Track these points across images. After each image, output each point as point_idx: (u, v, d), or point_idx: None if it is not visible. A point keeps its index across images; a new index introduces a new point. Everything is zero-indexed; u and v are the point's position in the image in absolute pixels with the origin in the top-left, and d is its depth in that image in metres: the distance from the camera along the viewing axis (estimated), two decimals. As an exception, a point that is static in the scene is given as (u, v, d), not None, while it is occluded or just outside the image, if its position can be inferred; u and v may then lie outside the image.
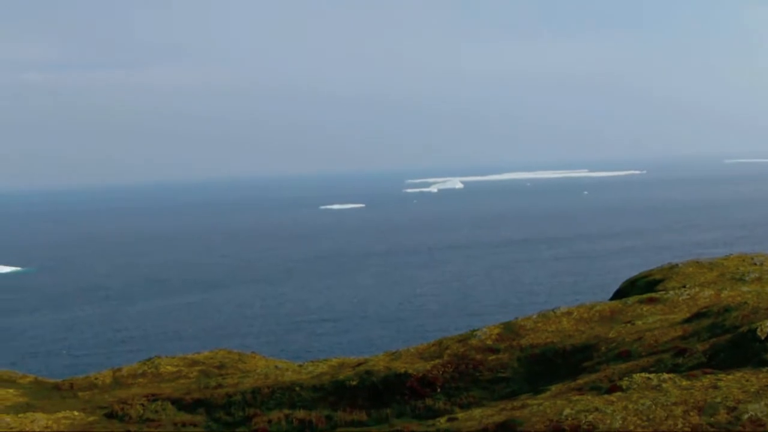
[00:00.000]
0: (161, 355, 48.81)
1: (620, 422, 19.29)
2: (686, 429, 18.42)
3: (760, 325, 26.40)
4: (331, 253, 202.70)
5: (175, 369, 44.83)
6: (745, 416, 18.27)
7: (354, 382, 37.48)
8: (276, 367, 42.70)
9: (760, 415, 18.21)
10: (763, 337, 25.72)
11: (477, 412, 25.51)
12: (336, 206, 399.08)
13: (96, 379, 44.01)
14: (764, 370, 21.61)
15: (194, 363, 45.80)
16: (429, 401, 34.86)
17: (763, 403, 18.15)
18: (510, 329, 39.33)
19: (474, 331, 40.46)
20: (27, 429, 33.05)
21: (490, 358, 37.03)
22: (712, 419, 18.56)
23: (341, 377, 38.14)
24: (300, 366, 42.65)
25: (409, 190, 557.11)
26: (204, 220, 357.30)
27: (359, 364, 40.01)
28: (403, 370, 37.05)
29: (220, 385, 39.89)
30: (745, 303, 32.45)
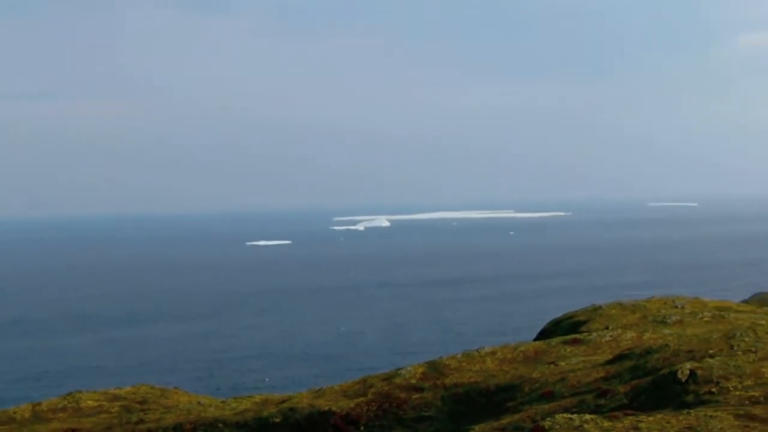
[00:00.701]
0: (82, 389, 48.00)
1: (542, 463, 19.33)
2: (607, 470, 18.51)
3: (681, 367, 26.71)
4: (258, 290, 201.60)
5: (96, 404, 44.11)
6: (666, 458, 18.42)
7: (277, 419, 37.18)
8: (199, 403, 42.25)
9: (679, 456, 18.36)
10: (683, 380, 26.02)
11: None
12: (262, 243, 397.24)
13: (15, 413, 43.16)
14: (684, 412, 21.82)
15: (116, 398, 45.11)
16: (352, 440, 34.66)
17: (682, 444, 18.32)
18: (434, 368, 39.32)
19: (398, 369, 40.39)
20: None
21: (414, 396, 36.97)
22: (632, 460, 18.67)
23: (265, 414, 37.81)
24: (223, 402, 42.24)
25: (336, 228, 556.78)
26: (129, 255, 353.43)
27: (283, 401, 39.71)
28: (326, 408, 36.84)
29: (141, 421, 39.33)
30: (667, 345, 32.81)
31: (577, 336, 44.00)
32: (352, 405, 36.80)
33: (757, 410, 21.67)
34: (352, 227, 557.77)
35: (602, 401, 27.95)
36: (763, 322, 39.06)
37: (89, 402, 44.20)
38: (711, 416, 20.59)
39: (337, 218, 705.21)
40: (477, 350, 41.71)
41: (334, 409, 36.62)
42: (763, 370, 26.22)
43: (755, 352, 27.96)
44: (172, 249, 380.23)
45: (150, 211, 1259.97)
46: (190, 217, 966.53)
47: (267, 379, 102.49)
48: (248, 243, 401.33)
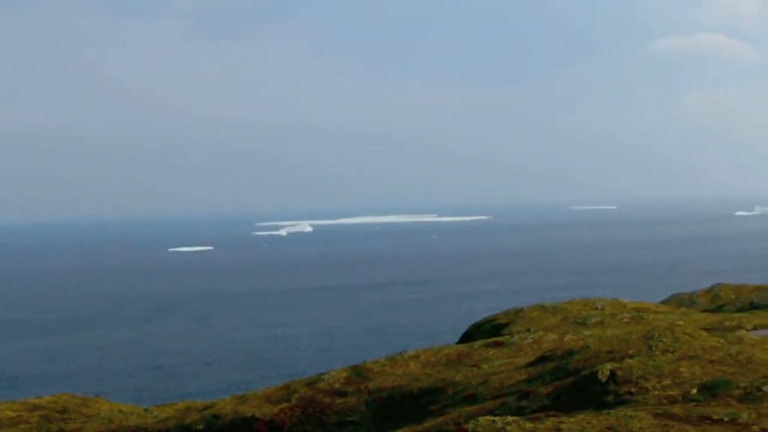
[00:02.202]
0: (0, 400, 47.19)
1: (466, 465, 19.41)
2: (530, 471, 18.65)
3: (601, 368, 27.01)
4: (182, 296, 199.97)
5: (14, 414, 43.37)
6: (587, 458, 18.59)
7: (200, 426, 36.91)
8: (120, 411, 41.77)
9: (600, 456, 18.55)
10: (603, 380, 26.32)
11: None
12: (184, 249, 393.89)
13: (-72, 425, 42.30)
14: (605, 412, 22.07)
15: (35, 408, 44.40)
16: (276, 445, 34.52)
17: (603, 444, 18.52)
18: (358, 373, 39.32)
19: (322, 374, 40.32)
20: None
21: (338, 401, 36.93)
22: (554, 461, 18.82)
23: (187, 421, 37.50)
24: (145, 410, 41.81)
25: (259, 233, 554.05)
26: (45, 261, 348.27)
27: (206, 408, 39.43)
28: (250, 414, 36.65)
29: (61, 430, 38.79)
30: (587, 347, 33.15)
31: (499, 339, 44.31)
32: (275, 411, 36.65)
33: (676, 409, 21.99)
34: (274, 233, 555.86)
35: (524, 403, 28.16)
36: (681, 322, 39.73)
37: (7, 412, 43.44)
38: (630, 416, 20.85)
39: (259, 224, 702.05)
40: (400, 354, 41.79)
41: (257, 414, 36.44)
42: (681, 369, 26.62)
43: (673, 352, 28.37)
44: (91, 255, 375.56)
45: (65, 217, 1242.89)
46: (107, 223, 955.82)
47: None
48: (170, 249, 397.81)
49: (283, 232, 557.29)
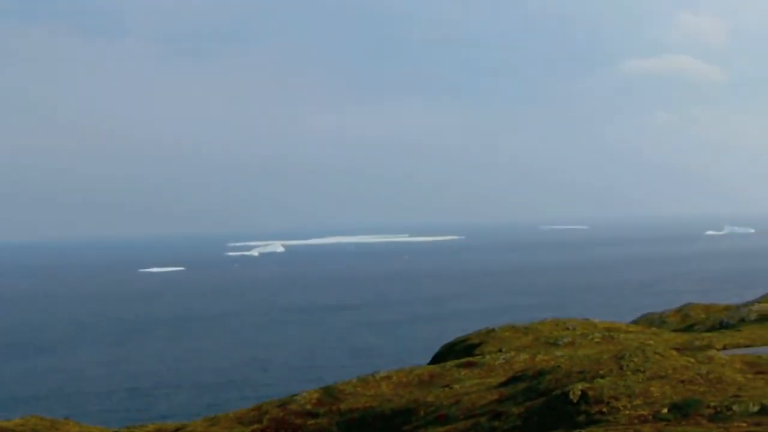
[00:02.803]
0: (-32, 423, 46.76)
1: (438, 486, 19.45)
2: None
3: (572, 388, 27.12)
4: (153, 318, 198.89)
5: (-18, 437, 43.07)
6: (558, 478, 18.68)
7: (171, 449, 36.76)
8: (89, 433, 41.53)
9: (572, 476, 18.64)
10: (575, 400, 26.42)
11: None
12: (155, 269, 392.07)
13: None
14: (576, 431, 22.15)
15: (3, 430, 44.08)
16: (247, 467, 34.43)
17: (574, 464, 18.60)
18: (330, 393, 39.28)
19: (294, 395, 40.25)
20: None
21: (310, 422, 36.86)
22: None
23: (157, 444, 37.34)
24: (115, 432, 41.60)
25: (231, 254, 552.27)
26: (16, 283, 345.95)
27: (177, 430, 39.26)
28: (221, 436, 36.52)
29: (29, 454, 38.50)
30: (559, 367, 33.26)
31: (471, 359, 44.38)
32: (247, 432, 36.55)
33: (646, 428, 22.10)
34: (246, 253, 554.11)
35: (496, 423, 28.22)
36: (651, 342, 39.93)
37: (-24, 435, 43.13)
38: (602, 436, 20.94)
39: (231, 244, 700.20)
40: (372, 374, 41.79)
41: (228, 436, 36.33)
42: (652, 389, 26.76)
43: (644, 372, 28.52)
44: (60, 277, 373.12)
45: (30, 239, 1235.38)
46: (77, 245, 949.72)
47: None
48: (141, 270, 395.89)
49: (254, 252, 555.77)
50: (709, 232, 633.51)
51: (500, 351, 46.99)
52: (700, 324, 63.96)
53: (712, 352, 35.52)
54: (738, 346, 44.01)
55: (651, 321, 71.79)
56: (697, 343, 45.46)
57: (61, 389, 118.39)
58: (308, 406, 38.26)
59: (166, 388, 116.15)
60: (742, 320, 58.57)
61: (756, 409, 24.01)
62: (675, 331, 61.97)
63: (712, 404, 24.65)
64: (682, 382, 27.54)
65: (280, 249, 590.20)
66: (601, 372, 29.31)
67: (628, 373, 28.63)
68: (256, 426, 36.99)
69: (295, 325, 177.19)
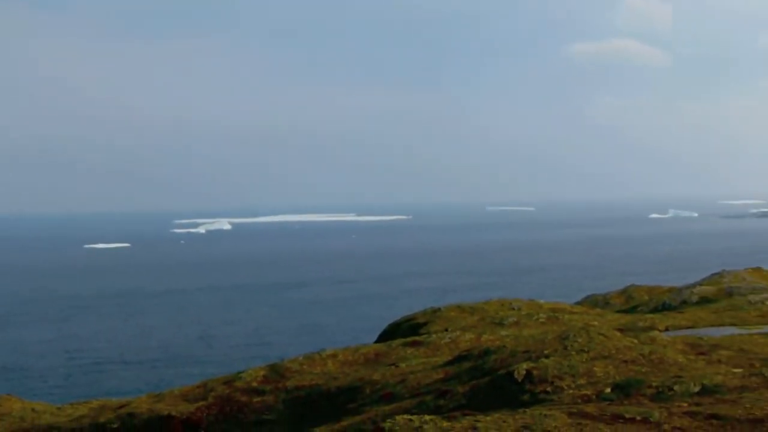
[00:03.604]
0: None
1: (382, 463, 19.50)
2: (446, 469, 18.80)
3: (517, 368, 27.33)
4: (99, 293, 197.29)
5: None
6: (502, 456, 18.81)
7: (115, 425, 36.58)
8: (33, 409, 41.21)
9: (515, 454, 18.79)
10: (519, 380, 26.64)
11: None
12: (101, 245, 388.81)
13: None
14: (520, 411, 22.32)
15: (-56, 407, 43.59)
16: (192, 444, 34.36)
17: (518, 443, 18.75)
18: (276, 371, 39.27)
19: (239, 372, 40.21)
20: None
21: (255, 399, 36.84)
22: (470, 459, 19.01)
23: (102, 420, 37.12)
24: (59, 408, 41.32)
25: (177, 231, 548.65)
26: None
27: (121, 407, 39.06)
28: (166, 413, 36.40)
29: (-29, 429, 38.14)
30: (504, 346, 33.49)
31: (417, 338, 44.56)
32: (192, 409, 36.47)
33: (590, 408, 22.32)
34: (193, 230, 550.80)
35: (442, 402, 28.38)
36: (595, 322, 40.34)
37: None
38: (546, 415, 21.12)
39: (177, 221, 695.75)
40: (318, 352, 41.84)
41: (173, 413, 36.21)
42: (595, 369, 27.04)
43: (588, 352, 28.80)
44: (3, 252, 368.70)
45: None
46: (20, 219, 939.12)
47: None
48: (86, 246, 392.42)
49: (201, 230, 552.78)
50: (654, 215, 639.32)
51: (446, 330, 47.20)
52: (644, 305, 64.67)
53: (654, 333, 35.96)
54: (680, 327, 44.55)
55: (595, 302, 72.48)
56: (640, 324, 45.96)
57: (3, 365, 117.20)
58: (254, 384, 38.23)
59: (112, 365, 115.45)
60: (685, 302, 59.31)
61: (697, 389, 24.36)
62: (619, 312, 62.60)
63: (654, 384, 24.96)
64: (625, 362, 27.85)
65: (227, 226, 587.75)
66: (545, 352, 29.54)
67: (572, 353, 28.90)
68: (201, 403, 36.91)
69: (242, 303, 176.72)
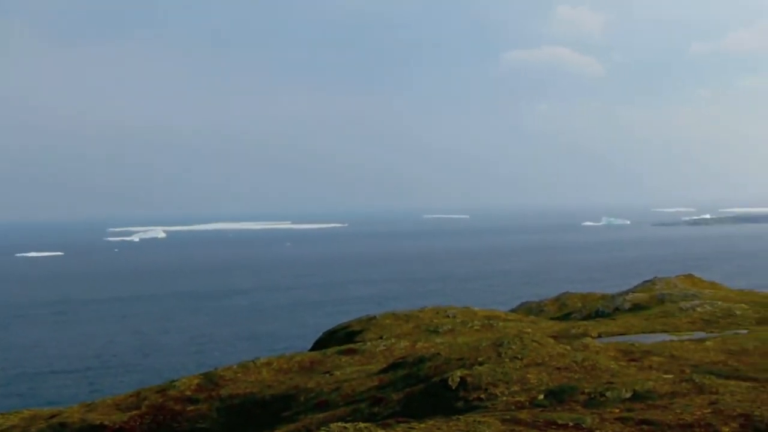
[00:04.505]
0: None
1: (317, 471, 19.47)
2: (380, 476, 18.81)
3: (452, 375, 27.43)
4: (27, 303, 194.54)
5: None
6: (436, 463, 18.86)
7: (46, 436, 36.09)
8: (-39, 421, 40.50)
9: (449, 461, 18.84)
10: (454, 387, 26.73)
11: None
12: (33, 254, 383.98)
13: None
14: (454, 418, 22.40)
15: None
16: (125, 454, 34.04)
17: (452, 449, 18.81)
18: (210, 379, 39.05)
19: (173, 381, 39.91)
20: None
21: (189, 408, 36.59)
22: (404, 466, 19.04)
23: (33, 430, 36.62)
24: (-12, 419, 40.64)
25: (111, 239, 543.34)
26: None
27: (53, 416, 38.56)
28: (98, 422, 36.00)
29: None
30: (438, 354, 33.60)
31: (352, 346, 44.56)
32: (125, 418, 36.10)
33: (523, 415, 22.47)
34: (126, 238, 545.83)
35: (376, 409, 28.40)
36: (529, 330, 40.63)
37: None
38: (479, 421, 21.21)
39: (111, 229, 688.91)
40: (253, 361, 41.67)
41: (106, 423, 35.83)
42: (529, 376, 27.23)
43: (521, 359, 29.00)
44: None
45: None
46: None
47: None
48: (18, 254, 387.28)
49: (135, 238, 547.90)
50: (587, 223, 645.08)
51: (381, 338, 47.27)
52: (577, 312, 65.24)
53: (587, 340, 36.30)
54: (612, 334, 45.03)
55: (529, 309, 72.94)
56: (574, 331, 46.37)
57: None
58: (188, 392, 37.97)
59: (44, 374, 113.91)
60: (617, 309, 59.94)
61: (628, 395, 24.63)
62: (552, 319, 63.10)
63: (586, 390, 25.19)
64: (558, 369, 28.09)
65: (162, 234, 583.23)
66: (479, 359, 29.70)
67: (506, 360, 29.08)
68: (134, 412, 36.56)
69: (177, 311, 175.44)
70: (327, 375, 37.56)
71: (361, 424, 21.90)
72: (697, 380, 26.07)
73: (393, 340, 44.12)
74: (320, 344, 54.57)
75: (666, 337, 41.27)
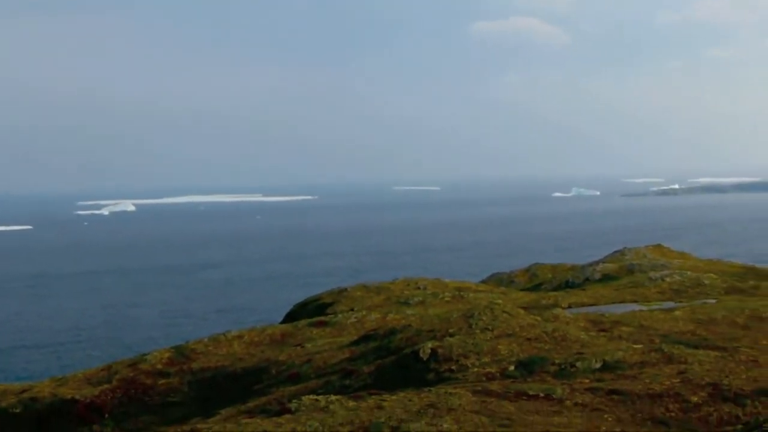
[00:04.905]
0: None
1: (289, 444, 19.50)
2: (352, 448, 18.90)
3: (422, 346, 27.53)
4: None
5: None
6: (408, 434, 18.97)
7: (17, 410, 36.00)
8: (-69, 396, 40.30)
9: (421, 432, 18.95)
10: (425, 359, 26.84)
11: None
12: (1, 228, 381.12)
13: None
14: (426, 389, 22.50)
15: None
16: (96, 428, 34.04)
17: (423, 422, 18.89)
18: (181, 353, 39.01)
19: (144, 355, 39.85)
20: None
21: (161, 382, 36.57)
22: (376, 438, 19.13)
23: (3, 405, 36.51)
24: (-42, 395, 40.45)
25: (80, 212, 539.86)
26: None
27: (23, 391, 38.44)
28: (70, 396, 35.93)
29: None
30: (409, 326, 33.70)
31: (323, 318, 44.63)
32: (96, 393, 36.05)
33: (494, 386, 22.59)
34: (96, 212, 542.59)
35: (347, 382, 28.48)
36: (500, 301, 40.75)
37: None
38: (451, 393, 21.32)
39: (80, 203, 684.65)
40: (224, 334, 41.67)
41: (77, 397, 35.77)
42: (500, 347, 27.37)
43: (492, 330, 29.13)
44: None
45: None
46: None
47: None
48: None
49: (104, 211, 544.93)
50: (557, 194, 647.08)
51: (352, 310, 47.33)
52: (547, 283, 65.53)
53: (557, 311, 36.49)
54: (582, 304, 45.23)
55: (500, 280, 73.18)
56: (544, 302, 46.58)
57: None
58: (159, 366, 37.94)
59: (14, 349, 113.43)
60: (587, 280, 60.22)
61: (598, 365, 24.81)
62: (523, 290, 63.35)
63: (557, 361, 25.35)
64: (529, 340, 28.24)
65: (131, 208, 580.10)
66: (450, 330, 29.80)
67: (477, 331, 29.19)
68: (105, 386, 36.51)
69: (148, 285, 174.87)
70: (298, 348, 37.62)
71: (333, 397, 21.96)
72: (666, 350, 26.28)
73: (364, 312, 44.21)
74: (291, 317, 54.59)
75: (635, 307, 41.50)
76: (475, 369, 25.68)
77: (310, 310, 53.13)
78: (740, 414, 20.38)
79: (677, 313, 36.25)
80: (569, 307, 43.98)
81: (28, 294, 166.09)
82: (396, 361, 27.96)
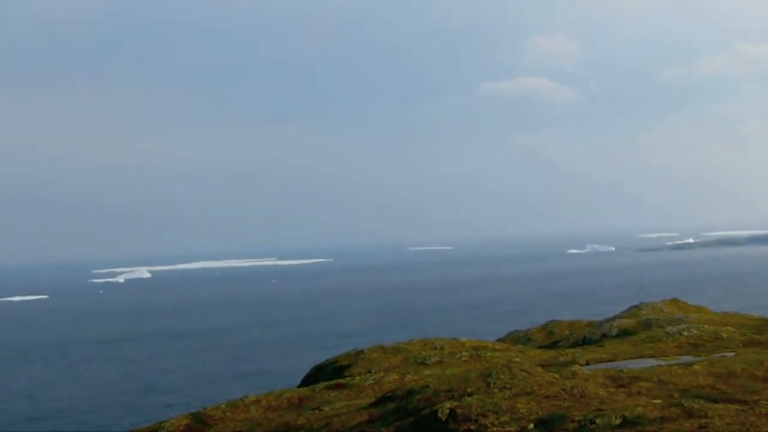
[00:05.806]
0: None
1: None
2: None
3: (441, 407, 27.42)
4: (16, 348, 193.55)
5: None
6: (428, 496, 18.89)
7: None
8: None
9: (441, 493, 18.87)
10: (443, 419, 26.72)
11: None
12: (17, 298, 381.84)
13: None
14: (445, 450, 22.42)
15: None
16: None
17: (444, 481, 18.84)
18: (198, 419, 38.88)
19: (162, 422, 39.72)
20: None
21: (179, 449, 36.41)
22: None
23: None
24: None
25: (95, 281, 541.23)
26: None
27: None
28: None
29: None
30: (427, 386, 33.57)
31: (341, 381, 44.45)
32: (114, 461, 36.03)
33: (513, 444, 22.49)
34: (111, 279, 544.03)
35: (367, 444, 28.34)
36: (517, 359, 40.63)
37: None
38: (470, 452, 21.23)
39: (95, 271, 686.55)
40: (241, 399, 41.52)
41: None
42: (518, 405, 27.24)
43: (510, 389, 29.00)
44: None
45: None
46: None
47: None
48: (1, 298, 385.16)
49: (120, 279, 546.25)
50: (572, 251, 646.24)
51: (369, 372, 47.18)
52: (564, 340, 65.25)
53: (575, 368, 36.31)
54: (600, 360, 45.02)
55: (517, 338, 72.90)
56: (562, 359, 46.38)
57: None
58: (177, 433, 37.80)
59: (32, 420, 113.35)
60: (605, 335, 59.98)
61: (618, 421, 24.66)
62: (540, 347, 63.08)
63: (576, 418, 25.22)
64: (547, 397, 28.10)
65: (147, 275, 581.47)
66: (468, 390, 29.68)
67: (495, 390, 29.07)
68: (123, 455, 36.47)
69: (165, 350, 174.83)
70: (316, 411, 37.46)
71: (352, 459, 21.91)
72: (685, 404, 26.12)
73: (381, 374, 44.05)
74: (309, 380, 54.44)
75: (654, 362, 41.29)
76: (495, 428, 25.56)
77: (328, 373, 53.00)
78: (763, 467, 20.24)
79: (696, 367, 36.05)
80: (587, 363, 43.80)
81: (45, 362, 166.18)
82: (415, 422, 27.84)
